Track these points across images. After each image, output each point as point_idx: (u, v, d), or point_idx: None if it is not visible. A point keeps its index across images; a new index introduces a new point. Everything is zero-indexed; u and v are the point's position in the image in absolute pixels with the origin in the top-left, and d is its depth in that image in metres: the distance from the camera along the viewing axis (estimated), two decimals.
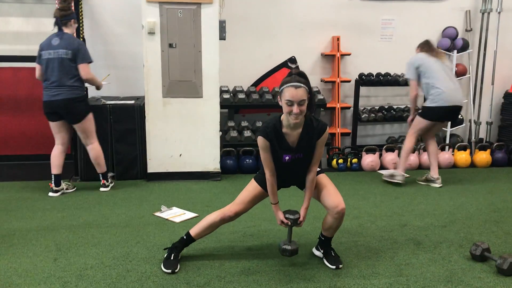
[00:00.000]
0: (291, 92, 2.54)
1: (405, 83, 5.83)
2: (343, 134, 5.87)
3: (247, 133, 5.31)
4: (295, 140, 2.73)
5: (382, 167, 5.43)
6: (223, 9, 4.89)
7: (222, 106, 5.08)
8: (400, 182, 4.71)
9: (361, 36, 5.92)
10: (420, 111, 4.70)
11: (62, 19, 4.11)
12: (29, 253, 3.09)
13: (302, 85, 2.55)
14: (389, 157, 5.42)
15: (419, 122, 4.64)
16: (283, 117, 2.70)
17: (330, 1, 5.79)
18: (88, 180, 4.75)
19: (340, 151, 5.62)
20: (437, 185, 4.72)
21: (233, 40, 5.31)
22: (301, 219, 2.81)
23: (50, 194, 4.31)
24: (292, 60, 5.82)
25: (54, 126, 4.27)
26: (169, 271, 2.81)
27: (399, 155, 5.45)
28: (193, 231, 2.95)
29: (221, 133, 4.92)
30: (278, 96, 2.67)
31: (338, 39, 5.76)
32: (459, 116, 5.98)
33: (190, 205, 4.10)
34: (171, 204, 4.10)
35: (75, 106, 4.19)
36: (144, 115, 4.70)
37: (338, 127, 5.81)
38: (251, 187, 2.92)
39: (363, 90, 5.94)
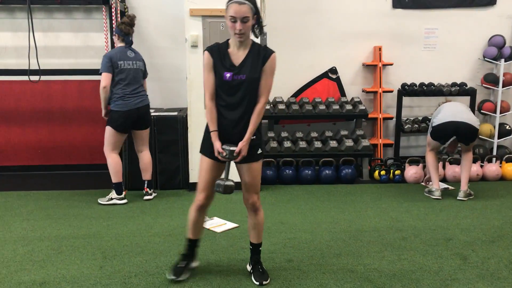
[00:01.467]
0: (234, 8, 2.53)
1: (449, 93, 5.69)
2: (385, 145, 5.77)
3: (287, 144, 5.31)
4: (240, 60, 2.66)
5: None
6: (264, 21, 4.92)
7: (262, 117, 5.10)
8: (438, 198, 4.59)
9: (403, 46, 5.83)
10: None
11: (130, 33, 4.35)
12: (77, 260, 3.19)
13: (246, 2, 2.53)
14: None
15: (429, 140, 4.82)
16: (230, 39, 2.68)
17: (372, 11, 5.75)
18: (132, 190, 4.87)
19: (382, 162, 5.53)
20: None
21: (273, 50, 5.34)
22: (237, 150, 2.63)
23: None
24: (333, 70, 5.79)
25: (122, 136, 4.43)
26: (173, 277, 2.84)
27: (444, 167, 5.33)
28: (189, 234, 2.94)
29: (262, 150, 4.93)
30: (225, 14, 2.61)
31: (380, 49, 5.69)
32: (507, 127, 5.82)
33: (231, 215, 4.13)
34: (212, 214, 4.14)
35: (149, 112, 4.54)
36: (186, 126, 4.78)
37: (380, 138, 5.73)
38: (202, 165, 2.80)
39: (406, 100, 5.84)
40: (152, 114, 4.91)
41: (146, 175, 4.59)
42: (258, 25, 2.68)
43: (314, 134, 5.48)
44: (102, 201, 4.45)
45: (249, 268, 2.98)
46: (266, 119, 5.44)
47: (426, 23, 5.83)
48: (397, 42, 5.82)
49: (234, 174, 2.75)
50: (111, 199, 4.44)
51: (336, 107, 5.46)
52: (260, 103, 2.68)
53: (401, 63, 5.81)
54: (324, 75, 5.81)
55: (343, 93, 5.83)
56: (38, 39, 4.86)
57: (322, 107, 5.45)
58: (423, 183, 5.12)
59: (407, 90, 5.70)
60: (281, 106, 5.43)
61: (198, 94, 4.71)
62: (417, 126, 5.72)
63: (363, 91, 5.86)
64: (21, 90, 5.51)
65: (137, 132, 4.50)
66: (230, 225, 3.88)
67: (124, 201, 4.46)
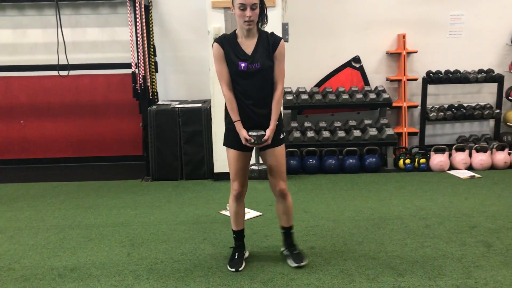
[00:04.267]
0: None
1: (476, 80, 5.60)
2: (410, 134, 5.72)
3: (310, 134, 5.33)
4: (251, 49, 2.71)
5: (452, 167, 5.24)
6: (286, 11, 4.94)
7: (285, 107, 5.14)
8: None
9: (428, 33, 5.75)
10: None
11: None
12: (105, 247, 3.31)
13: None
14: (459, 157, 5.22)
15: None
16: (237, 30, 2.72)
17: None
18: (159, 180, 4.99)
19: (407, 151, 5.50)
20: None
21: (296, 41, 5.35)
22: (265, 137, 2.72)
23: None
24: (356, 59, 5.76)
25: None
26: (233, 269, 2.90)
27: (470, 155, 5.27)
28: (232, 226, 3.01)
29: (284, 133, 4.97)
30: (231, 6, 2.68)
31: (404, 36, 5.63)
32: None
33: (254, 204, 4.19)
34: None
35: None
36: (210, 117, 4.86)
37: (405, 126, 5.68)
38: (229, 156, 2.87)
39: (431, 88, 5.77)
40: (177, 106, 5.02)
41: None
42: (262, 13, 2.72)
43: (337, 124, 5.48)
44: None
45: (285, 252, 3.03)
46: (289, 109, 5.46)
47: (451, 9, 5.73)
48: (422, 30, 5.74)
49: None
50: None
51: (359, 96, 5.44)
52: (278, 90, 2.76)
53: (426, 50, 5.74)
54: (348, 64, 5.79)
55: (366, 82, 5.80)
56: (66, 35, 5.03)
57: (345, 96, 5.44)
58: None
59: (432, 78, 5.64)
60: (304, 96, 5.45)
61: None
62: (442, 114, 5.65)
63: (387, 80, 5.82)
64: (51, 85, 5.69)
65: None
66: (254, 213, 3.94)
67: None
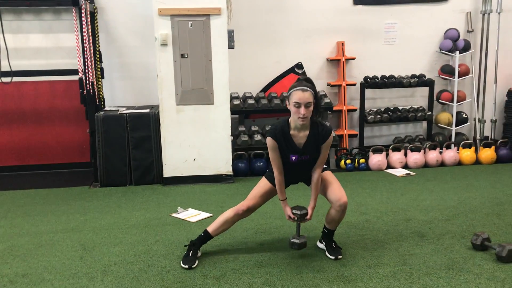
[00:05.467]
0: (298, 95, 2.80)
1: (409, 84, 6.01)
2: (350, 136, 6.05)
3: (257, 137, 5.52)
4: (302, 142, 2.96)
5: (389, 166, 5.60)
6: (231, 19, 5.11)
7: (232, 111, 5.30)
8: None
9: (365, 40, 6.11)
10: None
11: None
12: (57, 252, 3.32)
13: (308, 89, 2.83)
14: (396, 156, 5.59)
15: None
16: (291, 119, 2.95)
17: (334, 8, 6.00)
18: (108, 186, 4.99)
19: (348, 151, 5.80)
20: None
21: (241, 48, 5.53)
22: (307, 217, 3.04)
23: None
24: (299, 65, 6.03)
25: None
26: (186, 266, 3.01)
27: (405, 154, 5.64)
28: (210, 228, 3.16)
29: (232, 137, 5.13)
30: (287, 100, 2.93)
31: (342, 44, 5.96)
32: (464, 115, 6.19)
33: (205, 206, 4.31)
34: (187, 206, 4.32)
35: None
36: (159, 122, 4.93)
37: (345, 128, 6.00)
38: (262, 184, 3.15)
39: (368, 92, 6.12)
40: (125, 111, 5.05)
41: None
42: (317, 107, 2.93)
43: None
44: None
45: (320, 245, 3.28)
46: (236, 113, 5.63)
47: (386, 18, 6.13)
48: (359, 37, 6.09)
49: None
50: None
51: None
52: (317, 173, 3.03)
53: (363, 57, 6.09)
54: (291, 70, 6.04)
55: None
56: (8, 41, 4.94)
57: None
58: None
59: (369, 83, 5.99)
60: (251, 101, 5.63)
61: (169, 91, 4.86)
62: (379, 116, 6.01)
63: (328, 85, 6.12)
64: None
65: None
66: (204, 215, 4.06)
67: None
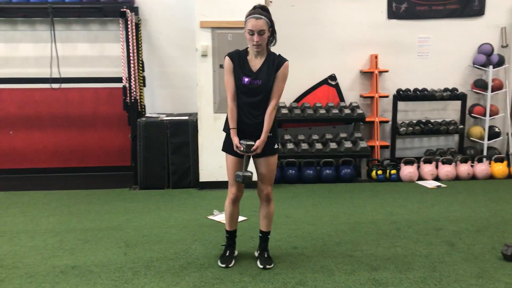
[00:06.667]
0: (252, 23, 2.87)
1: (442, 98, 6.07)
2: (382, 147, 6.13)
3: (290, 146, 5.67)
4: (257, 67, 2.99)
5: (420, 178, 5.66)
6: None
7: None
8: None
9: (398, 54, 6.21)
10: None
11: None
12: (102, 248, 3.54)
13: (262, 17, 2.88)
14: (427, 168, 5.65)
15: None
16: (248, 46, 3.02)
17: (368, 22, 6.13)
18: (146, 189, 5.23)
19: (379, 162, 5.89)
20: None
21: None
22: (254, 147, 2.97)
23: None
24: (332, 77, 6.17)
25: None
26: (224, 265, 3.18)
27: (436, 167, 5.69)
28: (226, 227, 3.31)
29: (278, 145, 5.28)
30: (244, 27, 2.94)
31: (376, 57, 6.08)
32: (496, 129, 6.20)
33: (240, 210, 4.45)
34: (222, 209, 4.46)
35: None
36: (197, 129, 5.15)
37: (377, 140, 6.09)
38: (227, 162, 3.15)
39: (401, 104, 6.21)
40: (165, 118, 5.29)
41: None
42: (272, 36, 3.02)
43: (315, 137, 5.86)
44: None
45: (256, 254, 3.33)
46: None
47: (419, 32, 6.22)
48: (392, 51, 6.20)
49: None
50: None
51: (335, 111, 5.83)
52: (271, 105, 3.01)
53: (396, 70, 6.19)
54: (324, 81, 6.18)
55: (342, 98, 6.20)
56: (57, 50, 5.26)
57: (322, 111, 5.82)
58: None
59: (401, 95, 6.08)
60: (284, 111, 5.80)
61: (207, 100, 5.08)
62: (411, 129, 6.09)
63: (360, 96, 6.24)
64: (40, 97, 5.88)
65: None
66: (239, 218, 4.21)
67: None
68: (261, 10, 2.92)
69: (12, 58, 5.81)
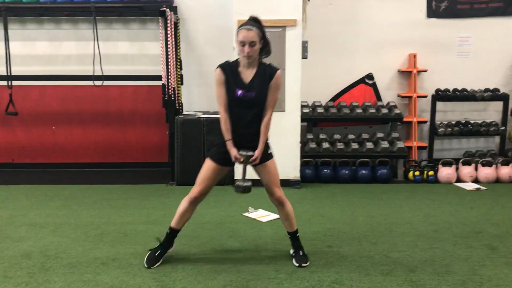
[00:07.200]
0: (243, 34, 2.87)
1: (482, 98, 5.92)
2: (419, 147, 6.04)
3: (325, 145, 5.65)
4: (249, 78, 2.97)
5: (459, 179, 5.54)
6: (305, 30, 5.30)
7: (302, 119, 5.47)
8: None
9: (437, 53, 6.10)
10: None
11: None
12: (141, 241, 3.63)
13: (253, 28, 2.88)
14: (466, 170, 5.53)
15: None
16: (240, 58, 3.00)
17: (406, 20, 6.04)
18: (183, 185, 5.31)
19: (416, 163, 5.80)
20: None
21: (313, 57, 5.69)
22: (253, 157, 2.99)
23: None
24: (370, 76, 6.12)
25: None
26: (147, 266, 3.12)
27: (476, 169, 5.56)
28: (173, 224, 3.22)
29: (300, 144, 5.30)
30: (235, 38, 2.95)
31: (414, 56, 5.98)
32: None
33: (274, 208, 4.42)
34: (257, 207, 4.53)
35: None
36: None
37: (415, 140, 6.00)
38: (206, 165, 3.11)
39: (439, 105, 6.09)
40: (201, 116, 5.36)
41: None
42: (265, 47, 2.99)
43: (351, 136, 5.82)
44: None
45: (291, 252, 3.33)
46: (305, 121, 5.79)
47: (459, 31, 6.09)
48: (431, 50, 6.09)
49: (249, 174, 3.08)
50: None
51: (372, 110, 5.77)
52: (267, 116, 3.02)
53: (435, 69, 6.08)
54: (361, 80, 6.14)
55: (379, 98, 6.14)
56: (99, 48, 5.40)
57: (359, 110, 5.78)
58: None
59: (440, 95, 5.97)
60: (320, 110, 5.79)
61: None
62: (450, 129, 5.97)
63: (398, 96, 6.16)
64: (82, 94, 6.06)
65: None
66: (274, 216, 4.25)
67: None
68: (253, 22, 2.94)
69: (56, 56, 6.02)
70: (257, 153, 3.01)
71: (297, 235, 3.30)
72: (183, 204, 3.18)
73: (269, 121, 3.04)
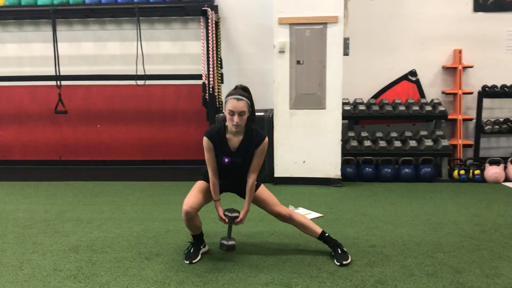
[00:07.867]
0: (233, 104, 2.90)
1: None
2: (465, 146, 5.85)
3: (367, 143, 5.57)
4: (236, 146, 3.05)
5: (507, 179, 5.34)
6: (347, 27, 5.24)
7: (342, 117, 5.41)
8: None
9: (484, 48, 5.90)
10: None
11: None
12: (183, 237, 3.67)
13: (243, 98, 2.92)
14: None
15: None
16: (227, 123, 3.02)
17: (452, 15, 5.87)
18: None
19: (461, 162, 5.63)
20: None
21: (355, 54, 5.63)
22: (238, 220, 3.12)
23: None
24: (413, 73, 5.98)
25: None
26: (187, 261, 3.19)
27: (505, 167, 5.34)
28: (191, 232, 3.31)
29: (341, 142, 5.24)
30: (224, 106, 3.01)
31: (460, 51, 5.80)
32: None
33: (315, 206, 4.47)
34: (297, 205, 4.51)
35: None
36: (272, 124, 5.20)
37: (460, 138, 5.82)
38: (199, 183, 3.23)
39: (486, 102, 5.89)
40: None
41: None
42: (252, 116, 3.06)
43: (393, 134, 5.70)
44: None
45: (331, 252, 3.28)
46: (346, 119, 5.73)
47: (508, 25, 5.86)
48: (478, 45, 5.89)
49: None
50: None
51: (416, 108, 5.64)
52: (251, 179, 3.12)
53: (482, 65, 5.88)
54: (404, 77, 6.01)
55: (422, 95, 5.99)
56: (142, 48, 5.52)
57: (402, 108, 5.66)
58: None
59: (487, 92, 5.77)
60: (362, 107, 5.70)
61: (283, 96, 5.11)
62: (498, 127, 5.76)
63: (442, 93, 5.99)
64: (126, 93, 6.21)
65: None
66: (314, 214, 4.22)
67: None
68: (242, 91, 2.97)
69: (101, 56, 6.19)
70: (242, 214, 3.15)
71: (326, 235, 3.30)
72: (183, 220, 3.20)
73: (253, 185, 3.14)
